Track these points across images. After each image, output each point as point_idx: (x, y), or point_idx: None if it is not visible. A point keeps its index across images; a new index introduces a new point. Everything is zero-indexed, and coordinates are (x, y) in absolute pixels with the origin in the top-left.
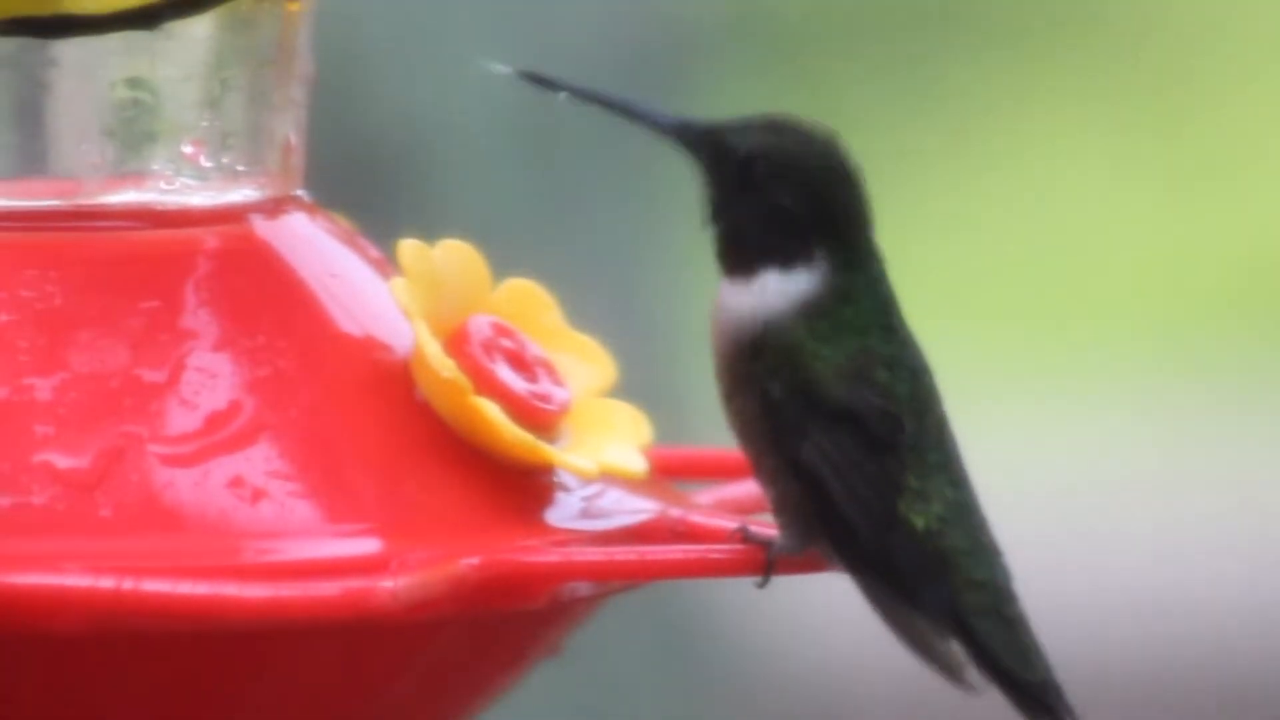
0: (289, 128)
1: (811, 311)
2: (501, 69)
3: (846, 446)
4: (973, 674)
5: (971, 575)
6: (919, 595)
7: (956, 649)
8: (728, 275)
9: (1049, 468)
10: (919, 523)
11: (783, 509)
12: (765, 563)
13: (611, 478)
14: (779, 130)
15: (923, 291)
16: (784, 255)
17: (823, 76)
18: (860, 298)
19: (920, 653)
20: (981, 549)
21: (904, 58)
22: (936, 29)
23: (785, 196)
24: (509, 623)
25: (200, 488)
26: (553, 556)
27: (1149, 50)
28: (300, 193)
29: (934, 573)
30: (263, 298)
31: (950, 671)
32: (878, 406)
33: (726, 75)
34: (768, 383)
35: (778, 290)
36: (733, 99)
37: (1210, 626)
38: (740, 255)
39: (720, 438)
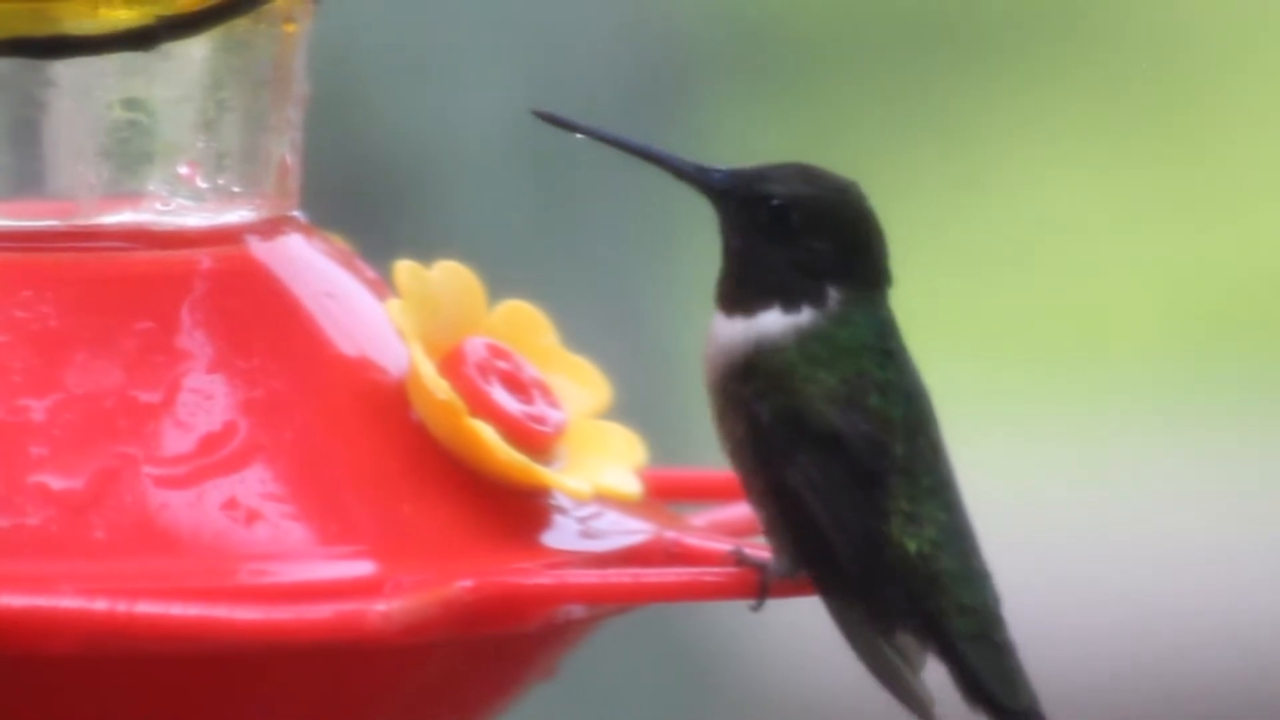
0: (285, 148)
1: (806, 334)
2: (529, 111)
3: (831, 472)
4: (943, 710)
5: (962, 600)
6: (901, 620)
7: (927, 684)
8: (728, 312)
9: (1053, 489)
10: (911, 545)
11: (774, 531)
12: (759, 585)
13: (606, 500)
14: (812, 180)
15: (926, 314)
16: (795, 294)
17: (826, 99)
18: (857, 319)
19: (891, 687)
20: (973, 573)
21: (908, 80)
22: (940, 52)
23: (818, 243)
24: (503, 645)
25: (194, 509)
26: (547, 579)
27: (1156, 75)
28: (297, 214)
29: (921, 596)
30: (258, 319)
31: (920, 707)
32: (864, 433)
33: (728, 97)
34: (757, 405)
35: (775, 319)
36: (734, 121)
37: (1217, 641)
38: (750, 294)
39: (715, 460)
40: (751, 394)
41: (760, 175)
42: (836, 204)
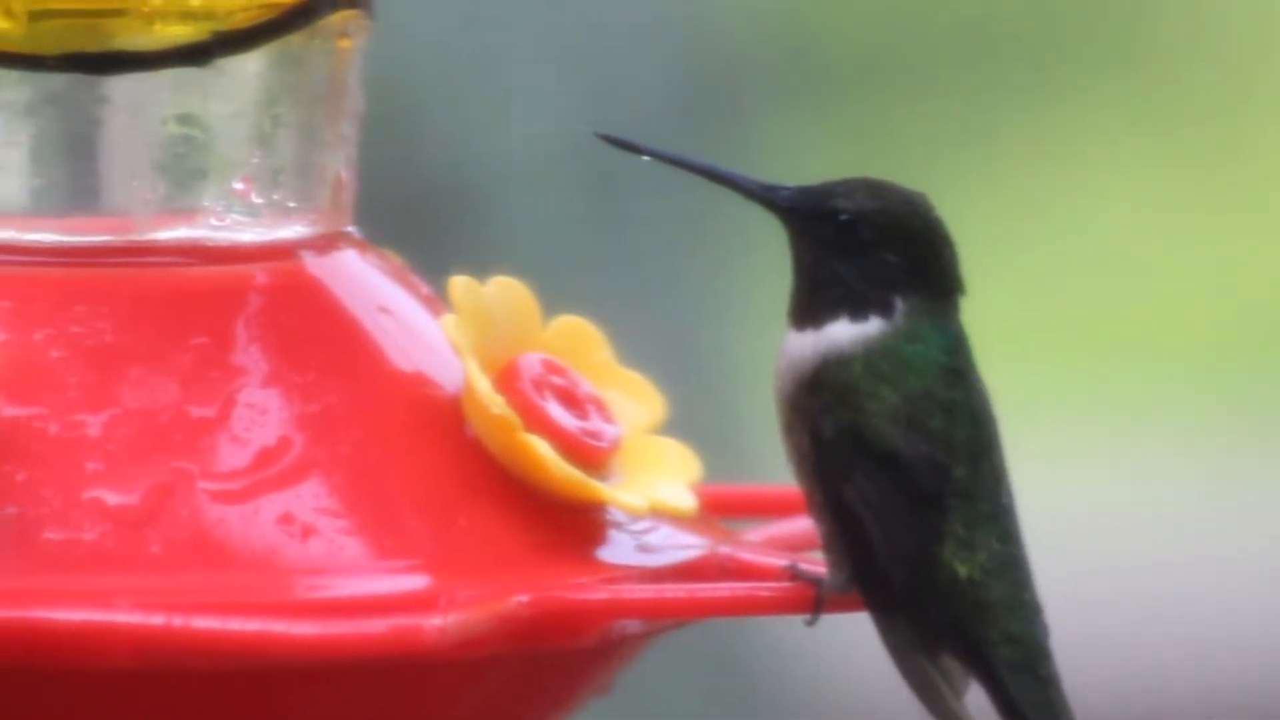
0: (340, 164)
1: (874, 347)
2: (592, 133)
3: (889, 491)
4: None
5: (1009, 629)
6: (946, 643)
7: (970, 709)
8: (798, 326)
9: (1091, 500)
10: (962, 571)
11: (831, 546)
12: (814, 600)
13: (661, 515)
14: (879, 193)
15: (979, 329)
16: (863, 306)
17: (876, 113)
18: (925, 334)
19: (933, 708)
20: (1022, 605)
21: (952, 91)
22: (986, 64)
23: (889, 256)
24: (558, 660)
25: (250, 524)
26: (602, 594)
27: (1197, 83)
28: (351, 229)
29: (968, 622)
30: (313, 334)
31: None
32: (925, 454)
33: (782, 113)
34: (820, 419)
35: (844, 331)
36: (788, 137)
37: (1250, 660)
38: (819, 308)
39: (770, 474)
40: (817, 408)
41: (828, 191)
42: (904, 216)
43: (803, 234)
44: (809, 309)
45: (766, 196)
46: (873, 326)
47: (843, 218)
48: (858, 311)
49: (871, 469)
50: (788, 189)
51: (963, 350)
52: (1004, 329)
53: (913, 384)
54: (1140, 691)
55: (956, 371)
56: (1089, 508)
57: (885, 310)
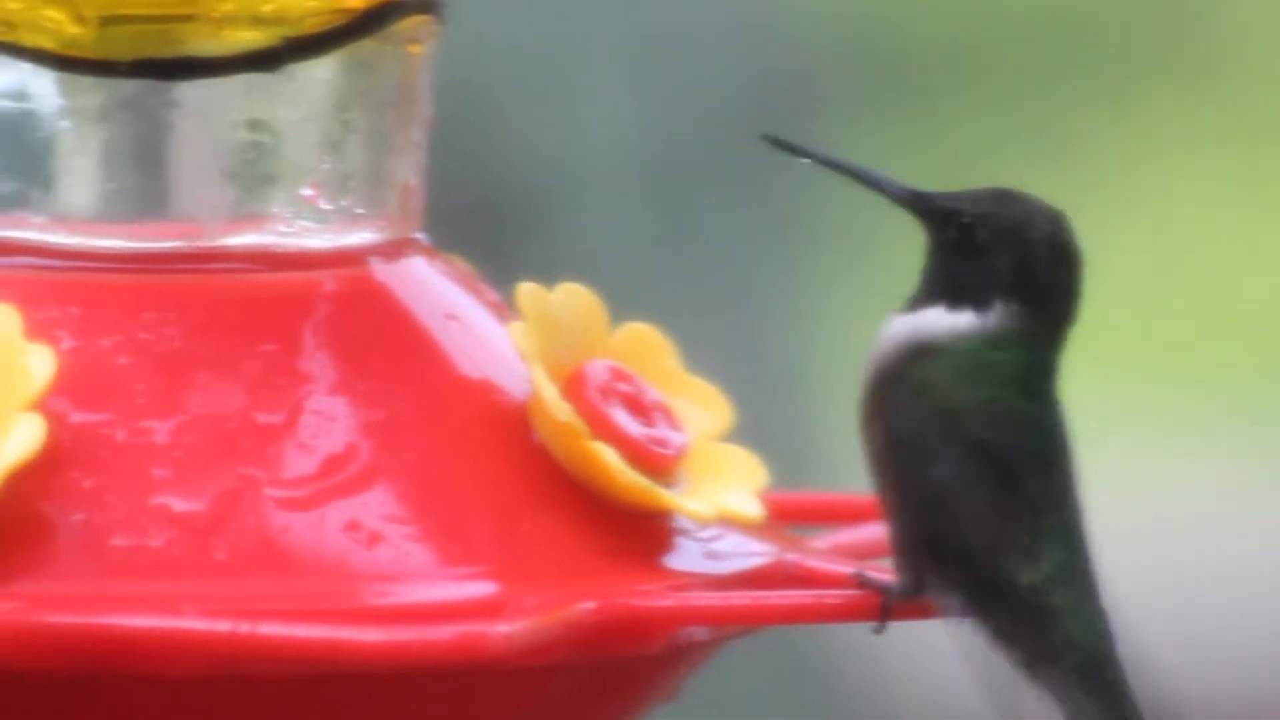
0: (409, 170)
1: (960, 349)
2: (759, 136)
3: (954, 495)
4: None
5: (1074, 636)
6: (1013, 648)
7: (1040, 712)
8: (897, 315)
9: (1168, 502)
10: (1028, 577)
11: (900, 550)
12: (881, 607)
13: (727, 522)
14: (1004, 201)
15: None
16: (962, 304)
17: (951, 118)
18: (1013, 350)
19: (1005, 715)
20: (1088, 611)
21: (1030, 97)
22: (1064, 71)
23: (998, 259)
24: (624, 667)
25: (316, 531)
26: (669, 601)
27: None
28: (419, 235)
29: (1033, 628)
30: (380, 341)
31: None
32: (994, 459)
33: (854, 116)
34: (897, 415)
35: (934, 324)
36: (860, 139)
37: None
38: (921, 302)
39: (838, 481)
40: (893, 401)
41: (958, 196)
42: (1021, 225)
43: (934, 235)
44: (914, 304)
45: (907, 201)
46: (963, 323)
47: (964, 220)
48: (954, 307)
49: (939, 471)
50: (929, 194)
51: (1047, 376)
52: (1077, 333)
53: (989, 391)
54: (1213, 689)
55: (1032, 381)
56: (1166, 509)
57: (981, 311)
